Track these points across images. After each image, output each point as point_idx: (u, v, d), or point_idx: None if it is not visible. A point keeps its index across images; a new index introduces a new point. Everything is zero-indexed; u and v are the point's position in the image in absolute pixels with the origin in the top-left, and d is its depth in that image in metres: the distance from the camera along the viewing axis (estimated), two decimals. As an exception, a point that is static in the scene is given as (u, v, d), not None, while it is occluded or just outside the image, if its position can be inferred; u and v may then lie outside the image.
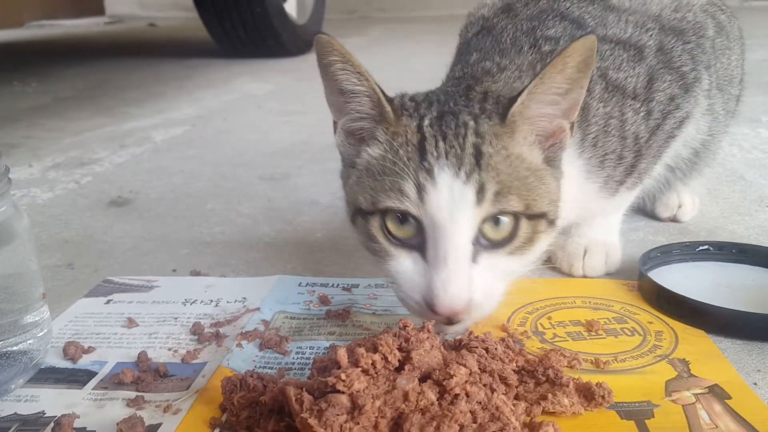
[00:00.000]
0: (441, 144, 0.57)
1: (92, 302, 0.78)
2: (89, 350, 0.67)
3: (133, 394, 0.59)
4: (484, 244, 0.57)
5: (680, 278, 0.75)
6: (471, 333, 0.65)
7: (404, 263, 0.59)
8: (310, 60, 2.93)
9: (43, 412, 0.57)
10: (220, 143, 1.57)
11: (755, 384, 0.59)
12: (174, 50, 3.37)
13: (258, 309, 0.74)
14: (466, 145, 0.57)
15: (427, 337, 0.55)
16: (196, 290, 0.79)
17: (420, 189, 0.56)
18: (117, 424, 0.53)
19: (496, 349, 0.60)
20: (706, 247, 0.81)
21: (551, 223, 0.61)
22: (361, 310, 0.74)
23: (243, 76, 2.53)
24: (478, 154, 0.57)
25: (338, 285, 0.80)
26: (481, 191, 0.55)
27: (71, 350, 0.66)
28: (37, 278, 0.65)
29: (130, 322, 0.72)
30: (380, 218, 0.59)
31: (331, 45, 0.58)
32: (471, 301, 0.56)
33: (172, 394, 0.59)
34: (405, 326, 0.57)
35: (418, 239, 0.58)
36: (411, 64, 2.73)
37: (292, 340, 0.67)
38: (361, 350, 0.51)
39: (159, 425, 0.54)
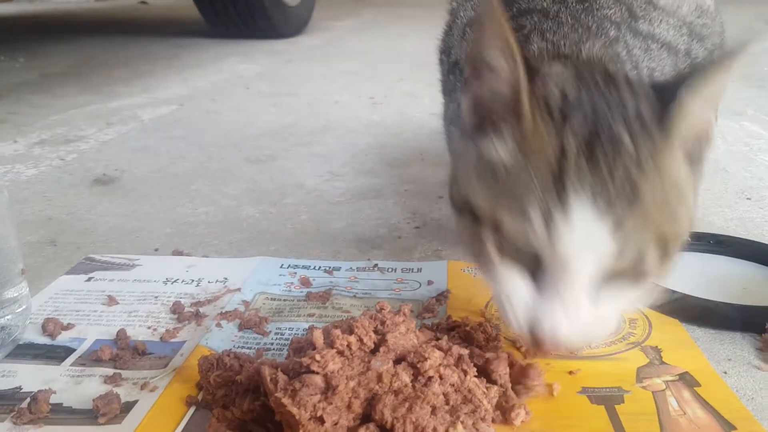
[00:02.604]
0: (587, 178, 0.47)
1: (73, 279, 0.78)
2: (68, 327, 0.67)
3: (110, 371, 0.59)
4: (606, 278, 0.50)
5: (657, 268, 0.76)
6: (449, 317, 0.66)
7: (512, 283, 0.51)
8: (301, 42, 2.91)
9: (20, 388, 0.57)
10: (208, 124, 1.56)
11: (725, 373, 0.60)
12: (164, 29, 3.33)
13: (239, 289, 0.74)
14: (623, 182, 0.47)
15: (403, 321, 0.56)
16: (178, 270, 0.80)
17: (549, 224, 0.47)
18: (93, 400, 0.54)
19: (473, 333, 0.62)
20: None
21: (684, 242, 0.53)
22: (342, 292, 0.74)
23: (232, 56, 2.51)
24: (633, 191, 0.47)
25: (320, 267, 0.81)
26: (618, 232, 0.47)
27: (50, 326, 0.66)
28: (16, 254, 0.65)
29: (111, 300, 0.72)
30: (494, 230, 0.51)
31: (494, 10, 0.48)
32: (578, 339, 0.51)
33: (149, 372, 0.59)
34: (381, 309, 0.58)
35: (534, 262, 0.50)
36: (402, 47, 2.72)
37: (271, 321, 0.68)
38: (337, 332, 0.51)
39: (135, 402, 0.55)
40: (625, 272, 0.50)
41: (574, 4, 0.71)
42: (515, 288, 0.51)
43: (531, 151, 0.49)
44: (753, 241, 0.81)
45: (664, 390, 0.56)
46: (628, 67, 0.65)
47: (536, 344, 0.51)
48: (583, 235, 0.47)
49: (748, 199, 1.02)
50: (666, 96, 0.51)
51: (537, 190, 0.48)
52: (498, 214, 0.50)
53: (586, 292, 0.49)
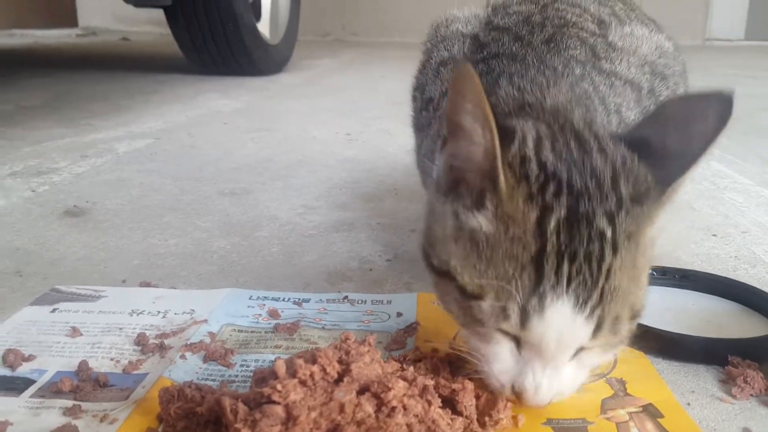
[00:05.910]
0: (565, 267, 0.48)
1: (37, 310, 0.76)
2: (30, 358, 0.65)
3: (70, 403, 0.58)
4: (585, 349, 0.53)
5: (624, 301, 0.77)
6: (417, 349, 0.66)
7: (497, 349, 0.53)
8: (280, 80, 2.94)
9: (-24, 419, 0.56)
10: (183, 157, 1.56)
11: (688, 404, 0.60)
12: (144, 65, 3.35)
13: (205, 321, 0.73)
14: (600, 272, 0.48)
15: (368, 351, 0.55)
16: (144, 301, 0.79)
17: (524, 316, 0.49)
18: (50, 432, 0.53)
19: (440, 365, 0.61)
20: (650, 272, 0.83)
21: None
22: (311, 324, 0.74)
23: (212, 92, 2.52)
24: (607, 278, 0.48)
25: (289, 299, 0.80)
26: (599, 326, 0.49)
27: (10, 357, 0.64)
28: (-22, 283, 0.64)
29: (74, 332, 0.71)
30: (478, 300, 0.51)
31: (471, 78, 0.48)
32: (556, 397, 0.54)
33: (110, 404, 0.58)
34: (347, 339, 0.58)
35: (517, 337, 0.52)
36: (380, 86, 2.76)
37: (237, 353, 0.67)
38: (300, 361, 0.51)
39: (94, 434, 0.54)
40: (602, 343, 0.52)
41: (540, 46, 0.73)
42: (499, 352, 0.53)
43: (509, 222, 0.50)
44: (717, 276, 0.83)
45: (627, 421, 0.56)
46: (596, 102, 0.67)
47: (519, 399, 0.54)
48: (560, 327, 0.49)
49: (713, 235, 1.04)
50: (653, 175, 0.53)
51: (515, 276, 0.49)
52: (480, 290, 0.50)
53: (565, 363, 0.52)
